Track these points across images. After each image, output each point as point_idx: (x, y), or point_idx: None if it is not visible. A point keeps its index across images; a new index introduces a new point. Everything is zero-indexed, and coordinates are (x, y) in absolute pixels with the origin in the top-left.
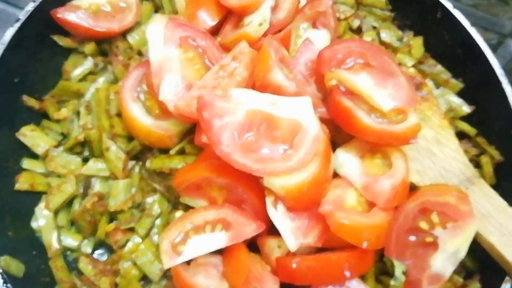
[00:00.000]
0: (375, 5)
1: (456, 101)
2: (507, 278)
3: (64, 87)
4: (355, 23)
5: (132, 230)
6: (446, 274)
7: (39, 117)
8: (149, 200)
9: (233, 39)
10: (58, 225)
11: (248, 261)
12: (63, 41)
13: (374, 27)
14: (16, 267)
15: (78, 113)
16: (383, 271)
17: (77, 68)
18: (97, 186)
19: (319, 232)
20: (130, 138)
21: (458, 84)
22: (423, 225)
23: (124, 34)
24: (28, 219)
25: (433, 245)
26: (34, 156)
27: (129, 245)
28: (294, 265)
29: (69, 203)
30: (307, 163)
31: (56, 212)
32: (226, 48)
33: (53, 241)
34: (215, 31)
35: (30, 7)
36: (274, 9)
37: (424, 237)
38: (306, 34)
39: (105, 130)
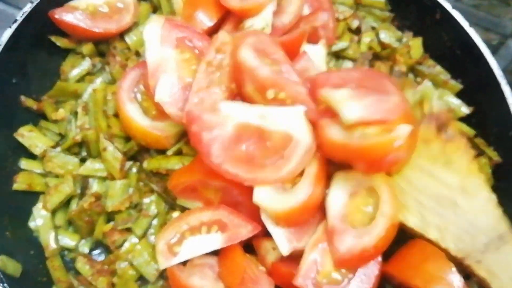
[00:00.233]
0: (374, 6)
1: (455, 102)
2: None
3: (61, 88)
4: (354, 24)
5: (129, 230)
6: None
7: (37, 118)
8: (146, 200)
9: None
10: (55, 225)
11: (244, 262)
12: (60, 42)
13: (373, 28)
14: (13, 267)
15: (75, 114)
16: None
17: (75, 69)
18: (95, 187)
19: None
20: (127, 138)
21: (457, 85)
22: None
23: (121, 34)
24: (25, 219)
25: None
26: (32, 156)
27: (126, 245)
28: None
29: (66, 203)
30: (296, 177)
31: (53, 212)
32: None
33: (50, 241)
34: (213, 32)
35: (28, 7)
36: (279, 12)
37: None
38: (302, 48)
39: (103, 131)
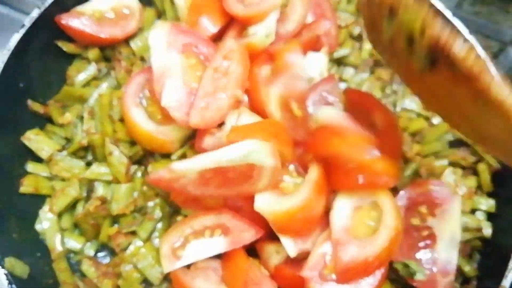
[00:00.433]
0: None
1: None
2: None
3: (68, 92)
4: (356, 31)
5: (134, 233)
6: (454, 262)
7: (43, 122)
8: (150, 204)
9: None
10: (61, 228)
11: (246, 266)
12: (67, 47)
13: None
14: (21, 269)
15: (81, 118)
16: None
17: (81, 74)
18: (100, 190)
19: (317, 237)
20: (132, 142)
21: None
22: (415, 221)
23: (127, 40)
24: (32, 221)
25: (431, 237)
26: (38, 159)
27: (131, 248)
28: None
29: (72, 206)
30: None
31: (60, 215)
32: None
33: (56, 243)
34: (217, 38)
35: (35, 13)
36: (282, 20)
37: (420, 232)
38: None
39: (108, 135)
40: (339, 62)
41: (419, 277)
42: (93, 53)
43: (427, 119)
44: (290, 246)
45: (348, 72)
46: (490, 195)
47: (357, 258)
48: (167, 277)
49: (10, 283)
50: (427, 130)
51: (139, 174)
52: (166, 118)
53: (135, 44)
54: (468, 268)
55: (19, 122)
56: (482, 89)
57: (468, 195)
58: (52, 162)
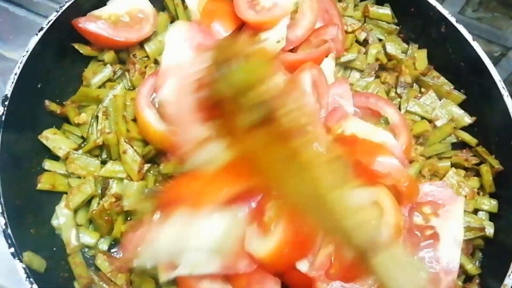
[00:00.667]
0: (381, 19)
1: (458, 112)
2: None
3: (84, 93)
4: (362, 36)
5: None
6: (457, 261)
7: (60, 121)
8: None
9: None
10: (77, 223)
11: None
12: (83, 50)
13: (380, 40)
14: (38, 263)
15: (96, 118)
16: None
17: (97, 75)
18: (114, 187)
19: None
20: (145, 142)
21: (460, 96)
22: (419, 221)
23: (141, 43)
24: (49, 217)
25: (434, 236)
26: (55, 157)
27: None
28: None
29: (87, 202)
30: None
31: (75, 211)
32: None
33: (72, 238)
34: None
35: (53, 16)
36: (292, 26)
37: (424, 231)
38: None
39: (122, 135)
40: (345, 66)
41: (422, 275)
42: (108, 55)
43: (431, 121)
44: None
45: (354, 76)
46: (492, 195)
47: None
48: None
49: (28, 276)
50: (430, 132)
51: (151, 172)
52: None
53: (149, 47)
54: (470, 267)
55: (37, 122)
56: (298, 150)
57: (471, 195)
58: (68, 160)
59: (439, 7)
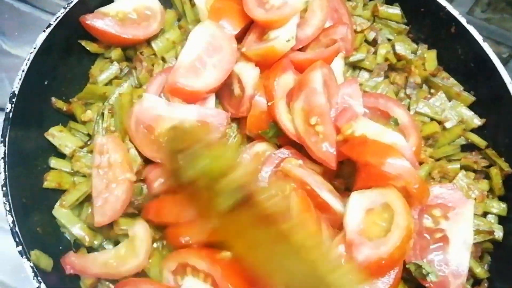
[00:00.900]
0: (390, 18)
1: (468, 113)
2: None
3: (91, 91)
4: (371, 36)
5: None
6: (466, 264)
7: (66, 118)
8: None
9: (259, 52)
10: (82, 221)
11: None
12: (90, 47)
13: (389, 40)
14: (45, 261)
15: (102, 115)
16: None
17: (103, 73)
18: None
19: None
20: None
21: (469, 97)
22: (428, 223)
23: (148, 41)
24: (55, 216)
25: (444, 239)
26: (61, 155)
27: None
28: None
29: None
30: None
31: (81, 209)
32: (249, 59)
33: (76, 236)
34: (237, 40)
35: (61, 13)
36: (301, 24)
37: (433, 234)
38: None
39: (127, 133)
40: (354, 66)
41: (431, 278)
42: (115, 53)
43: (440, 123)
44: None
45: (363, 76)
46: (501, 198)
47: (371, 258)
48: None
49: (36, 275)
50: (440, 134)
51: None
52: None
53: (156, 45)
54: (479, 270)
55: (43, 119)
56: (282, 232)
57: (480, 198)
58: (74, 158)
59: (449, 7)
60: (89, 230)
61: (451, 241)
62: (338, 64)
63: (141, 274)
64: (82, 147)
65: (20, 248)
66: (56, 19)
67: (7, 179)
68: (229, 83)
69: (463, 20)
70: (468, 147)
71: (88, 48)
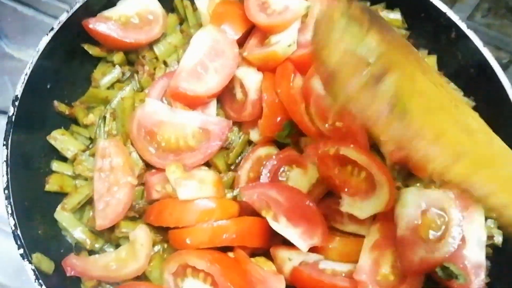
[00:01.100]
0: (391, 23)
1: None
2: None
3: (93, 94)
4: None
5: None
6: (483, 261)
7: (68, 122)
8: None
9: (261, 57)
10: (83, 224)
11: (248, 267)
12: (93, 50)
13: None
14: (47, 264)
15: (104, 119)
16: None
17: (106, 76)
18: None
19: (322, 231)
20: None
21: (469, 102)
22: None
23: (150, 45)
24: (56, 218)
25: (461, 239)
26: (63, 158)
27: None
28: None
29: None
30: None
31: (82, 212)
32: (251, 63)
33: (77, 239)
34: (239, 44)
35: (64, 17)
36: (302, 29)
37: None
38: None
39: (128, 137)
40: None
41: (460, 280)
42: (117, 56)
43: None
44: (300, 243)
45: None
46: None
47: (426, 260)
48: None
49: (37, 278)
50: None
51: None
52: None
53: (158, 49)
54: None
55: (45, 122)
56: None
57: None
58: (76, 161)
59: (449, 13)
60: (90, 233)
61: (467, 239)
62: None
63: (142, 277)
64: (84, 151)
65: (21, 250)
66: (59, 23)
67: (9, 182)
68: (230, 87)
69: (463, 26)
70: None
71: (90, 52)
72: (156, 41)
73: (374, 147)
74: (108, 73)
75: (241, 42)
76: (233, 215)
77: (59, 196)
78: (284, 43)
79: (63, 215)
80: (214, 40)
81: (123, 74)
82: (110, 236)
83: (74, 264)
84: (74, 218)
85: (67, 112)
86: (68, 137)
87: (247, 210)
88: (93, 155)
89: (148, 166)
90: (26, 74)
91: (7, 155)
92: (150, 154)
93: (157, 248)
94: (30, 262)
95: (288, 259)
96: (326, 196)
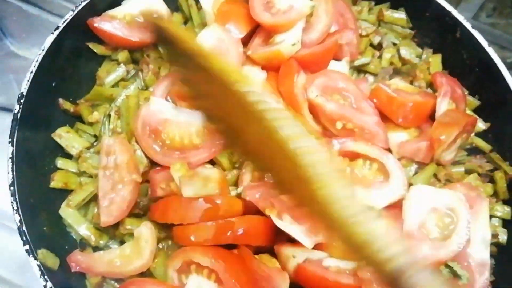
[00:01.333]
0: (396, 23)
1: None
2: None
3: (97, 92)
4: (376, 40)
5: None
6: (487, 260)
7: (73, 120)
8: None
9: (265, 56)
10: (87, 220)
11: (253, 264)
12: (98, 49)
13: (394, 44)
14: (52, 260)
15: (109, 117)
16: None
17: (110, 75)
18: None
19: None
20: None
21: (474, 102)
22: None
23: (155, 43)
24: (61, 215)
25: None
26: (68, 156)
27: None
28: None
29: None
30: None
31: (86, 209)
32: (255, 62)
33: (81, 235)
34: (243, 44)
35: (69, 15)
36: (307, 29)
37: None
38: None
39: (133, 135)
40: (359, 70)
41: (464, 280)
42: (122, 55)
43: None
44: (305, 240)
45: (368, 80)
46: (505, 202)
47: (430, 257)
48: None
49: (42, 274)
50: None
51: None
52: None
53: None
54: None
55: (50, 120)
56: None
57: None
58: (81, 159)
59: (454, 12)
60: (95, 230)
61: (472, 238)
62: (343, 69)
63: (147, 274)
64: (88, 148)
65: (27, 247)
66: (64, 22)
67: (15, 179)
68: None
69: (468, 25)
70: (473, 151)
71: (95, 50)
72: None
73: None
74: (113, 71)
75: (245, 41)
76: (237, 212)
77: (64, 193)
78: (288, 42)
79: (68, 212)
80: (219, 39)
81: (128, 72)
82: (115, 232)
83: (79, 260)
84: (79, 215)
85: (72, 110)
86: (73, 135)
87: (251, 208)
88: (97, 152)
89: (153, 163)
90: (31, 72)
91: (12, 152)
92: (155, 152)
93: (161, 245)
94: (36, 258)
95: (292, 256)
96: None
